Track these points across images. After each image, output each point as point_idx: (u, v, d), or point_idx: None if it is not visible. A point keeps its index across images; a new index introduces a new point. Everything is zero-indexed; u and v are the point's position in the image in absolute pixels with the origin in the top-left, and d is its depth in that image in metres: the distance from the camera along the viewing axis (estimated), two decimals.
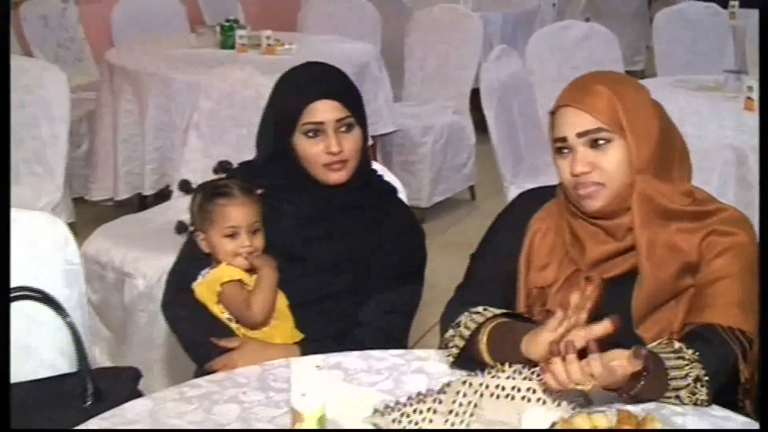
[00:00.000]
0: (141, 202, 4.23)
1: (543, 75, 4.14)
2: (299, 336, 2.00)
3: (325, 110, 1.99)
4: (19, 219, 2.03)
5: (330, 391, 1.51)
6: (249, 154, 2.29)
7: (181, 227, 2.12)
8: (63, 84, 3.55)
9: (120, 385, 1.97)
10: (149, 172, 4.09)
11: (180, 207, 3.37)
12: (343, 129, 2.00)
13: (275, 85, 2.11)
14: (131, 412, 1.56)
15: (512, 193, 3.39)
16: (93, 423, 1.53)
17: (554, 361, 1.45)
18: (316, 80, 2.06)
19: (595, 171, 1.65)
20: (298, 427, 1.47)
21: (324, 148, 1.99)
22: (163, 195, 4.02)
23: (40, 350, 2.05)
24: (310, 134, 1.99)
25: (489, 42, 5.36)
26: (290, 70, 2.12)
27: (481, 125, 4.74)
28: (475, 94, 4.75)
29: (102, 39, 5.27)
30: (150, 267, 3.00)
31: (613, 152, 1.66)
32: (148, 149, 4.09)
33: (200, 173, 3.37)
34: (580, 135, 1.66)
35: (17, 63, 3.65)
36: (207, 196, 2.01)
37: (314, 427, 1.46)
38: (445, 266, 2.13)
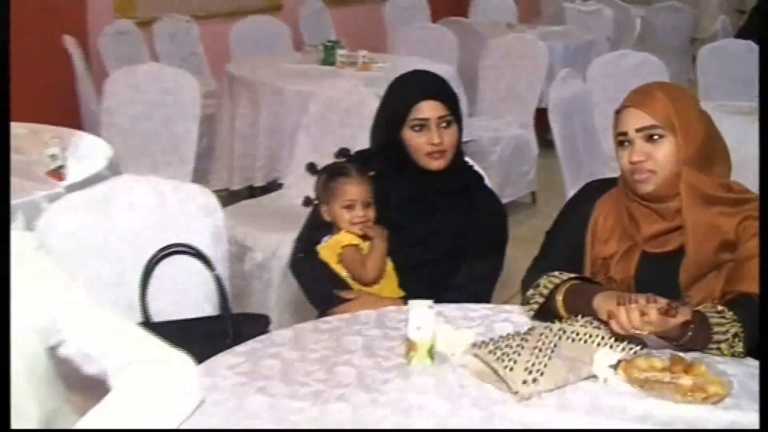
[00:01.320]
0: (251, 193, 4.44)
1: (601, 96, 4.24)
2: (401, 294, 2.17)
3: (429, 109, 2.16)
4: (180, 189, 2.25)
5: (437, 328, 1.66)
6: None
7: (307, 201, 2.31)
8: (195, 89, 3.79)
9: (254, 328, 2.15)
10: (260, 167, 4.28)
11: (289, 195, 3.60)
12: (443, 125, 2.17)
13: (388, 88, 2.29)
14: (279, 337, 1.75)
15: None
16: (249, 344, 1.72)
17: (620, 309, 1.61)
18: (423, 84, 2.24)
19: (649, 160, 1.80)
20: (411, 354, 1.65)
21: (427, 140, 2.16)
22: (268, 188, 4.22)
23: (191, 296, 2.24)
24: (417, 128, 2.17)
25: (552, 68, 5.47)
26: (401, 75, 2.30)
27: (542, 142, 4.91)
28: (539, 113, 4.91)
29: (218, 55, 5.49)
30: (266, 242, 3.21)
31: (665, 146, 1.80)
32: (260, 147, 4.29)
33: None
34: (638, 130, 1.80)
35: (158, 70, 3.93)
36: (330, 175, 2.20)
37: (425, 354, 1.64)
38: (509, 259, 2.29)
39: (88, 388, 1.67)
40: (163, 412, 1.40)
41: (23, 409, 1.50)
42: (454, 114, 2.20)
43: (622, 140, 1.85)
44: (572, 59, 6.02)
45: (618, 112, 1.88)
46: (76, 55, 4.45)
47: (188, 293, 2.24)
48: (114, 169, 2.92)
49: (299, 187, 3.59)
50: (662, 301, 1.60)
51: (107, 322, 1.51)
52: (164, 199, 2.21)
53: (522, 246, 2.41)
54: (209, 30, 5.67)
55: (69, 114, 4.29)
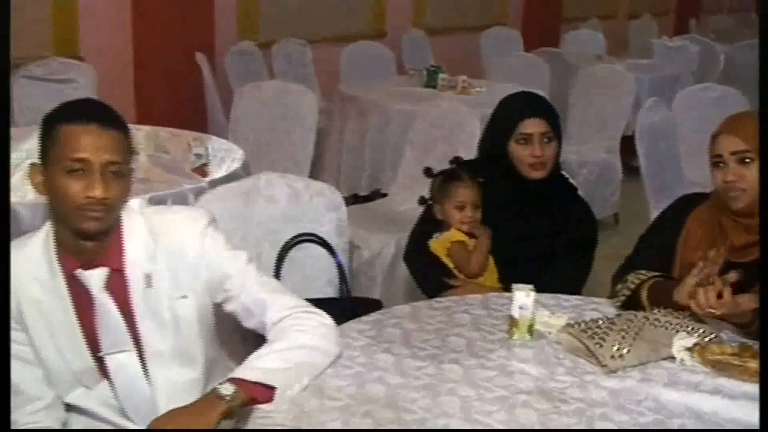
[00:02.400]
0: (354, 201, 4.70)
1: (685, 125, 4.38)
2: (500, 287, 2.38)
3: (534, 125, 2.38)
4: (311, 186, 2.51)
5: (536, 309, 1.87)
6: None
7: (421, 200, 2.54)
8: (313, 104, 4.08)
9: (368, 310, 2.38)
10: (365, 177, 4.53)
11: (393, 202, 3.85)
12: (545, 140, 2.38)
13: (498, 105, 2.51)
14: (399, 311, 1.98)
15: (654, 216, 3.66)
16: (373, 315, 1.96)
17: (698, 290, 1.79)
18: (529, 103, 2.45)
19: (741, 180, 1.96)
20: (513, 330, 1.86)
21: (530, 153, 2.37)
22: (371, 197, 4.46)
23: (316, 279, 2.49)
24: (522, 141, 2.38)
25: (638, 98, 5.59)
26: (510, 94, 2.52)
27: (625, 168, 5.03)
28: (624, 141, 5.05)
29: (328, 75, 5.81)
30: (372, 243, 3.45)
31: (755, 168, 1.95)
32: (366, 160, 4.54)
33: (412, 177, 3.82)
34: (732, 153, 1.97)
35: (282, 86, 4.24)
36: (446, 178, 2.43)
37: (525, 330, 1.85)
38: (592, 273, 2.47)
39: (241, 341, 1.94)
40: (317, 356, 1.64)
41: (192, 356, 1.77)
42: (554, 131, 2.40)
43: (717, 161, 2.01)
44: (658, 91, 6.12)
45: (714, 137, 2.04)
46: (206, 70, 4.81)
47: (314, 276, 2.48)
48: (246, 169, 3.21)
49: (402, 195, 3.85)
50: (734, 276, 1.77)
51: (266, 283, 1.76)
52: (297, 194, 2.47)
53: (604, 262, 2.56)
54: (320, 53, 5.99)
55: (199, 122, 4.64)
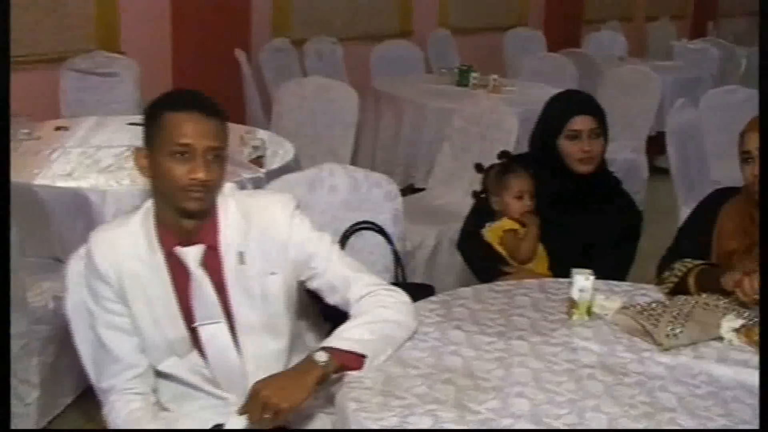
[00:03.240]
0: None
1: (711, 124, 4.52)
2: (550, 275, 2.53)
3: (582, 122, 2.53)
4: (370, 177, 2.66)
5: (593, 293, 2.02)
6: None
7: (475, 194, 2.69)
8: (353, 100, 4.23)
9: (422, 294, 2.53)
10: (399, 173, 4.68)
11: (430, 196, 4.00)
12: (593, 136, 2.53)
13: (547, 103, 2.66)
14: (463, 293, 2.14)
15: (683, 212, 3.81)
16: (440, 296, 2.11)
17: (743, 279, 1.94)
18: (578, 101, 2.60)
19: None
20: (573, 311, 2.01)
21: (579, 148, 2.52)
22: (402, 192, 4.59)
23: (374, 265, 2.63)
24: (571, 137, 2.53)
25: (661, 99, 5.74)
26: (558, 93, 2.68)
27: (650, 167, 5.17)
28: (648, 141, 5.19)
29: (357, 73, 5.96)
30: (413, 235, 3.58)
31: None
32: (400, 156, 4.71)
33: (450, 172, 3.97)
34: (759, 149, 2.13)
35: (322, 82, 4.39)
36: (502, 170, 2.57)
37: (584, 311, 2.00)
38: None
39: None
40: (398, 329, 1.80)
41: (278, 328, 1.92)
42: (602, 128, 2.55)
43: (746, 157, 2.16)
44: (680, 93, 6.27)
45: (742, 135, 2.19)
46: (245, 65, 4.97)
47: (371, 263, 2.62)
48: (297, 161, 3.38)
49: (439, 190, 4.01)
50: None
51: (349, 263, 1.92)
52: (357, 185, 2.62)
53: None
54: (351, 51, 6.15)
55: (236, 116, 4.79)
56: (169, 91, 1.88)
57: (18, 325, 2.54)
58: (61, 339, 2.82)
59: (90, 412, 2.88)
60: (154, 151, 1.80)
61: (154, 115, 1.81)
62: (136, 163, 1.86)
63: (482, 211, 2.64)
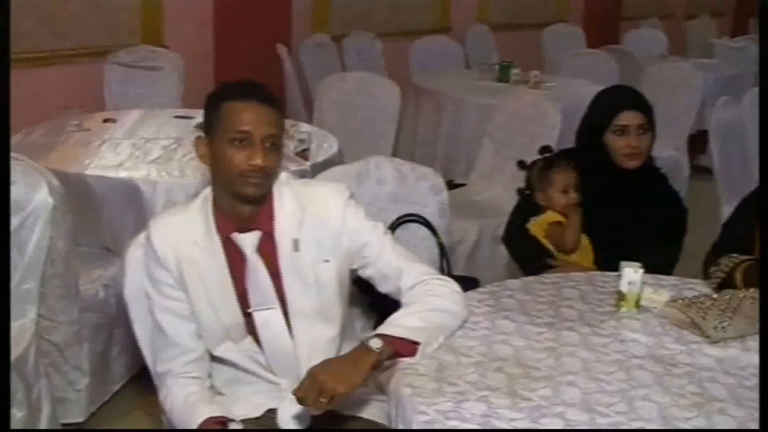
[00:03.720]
0: None
1: (754, 122, 4.50)
2: (596, 269, 2.56)
3: (630, 117, 2.55)
4: (416, 170, 2.70)
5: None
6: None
7: (520, 191, 2.73)
8: (396, 95, 4.29)
9: (467, 287, 2.57)
10: (438, 168, 4.67)
11: (471, 191, 4.03)
12: (641, 131, 2.55)
13: (594, 98, 2.69)
14: (511, 284, 2.17)
15: (725, 211, 3.81)
16: (488, 287, 2.15)
17: None
18: (626, 96, 2.63)
19: None
20: (621, 303, 2.04)
21: (626, 143, 2.54)
22: None
23: (420, 258, 2.68)
24: (618, 133, 2.55)
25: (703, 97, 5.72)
26: (606, 89, 2.70)
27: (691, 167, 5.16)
28: (690, 139, 5.18)
29: (396, 68, 6.00)
30: (455, 229, 3.55)
31: None
32: (440, 151, 4.75)
33: (491, 168, 4.00)
34: None
35: (365, 77, 4.44)
36: (546, 166, 2.61)
37: (633, 304, 2.03)
38: None
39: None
40: (450, 318, 1.84)
41: (331, 315, 1.97)
42: (649, 123, 2.57)
43: None
44: (721, 91, 6.24)
45: None
46: (287, 60, 5.04)
47: (417, 255, 2.66)
48: (341, 154, 3.43)
49: (481, 185, 4.04)
50: None
51: (401, 252, 1.96)
52: (404, 177, 2.67)
53: None
54: (390, 46, 6.20)
55: None
56: (228, 82, 1.94)
57: (70, 313, 2.62)
58: (110, 327, 2.91)
59: (135, 400, 2.96)
60: (214, 139, 1.86)
61: (214, 105, 1.87)
62: (197, 151, 1.92)
63: (527, 207, 2.68)
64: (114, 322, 2.91)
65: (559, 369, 1.74)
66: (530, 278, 2.25)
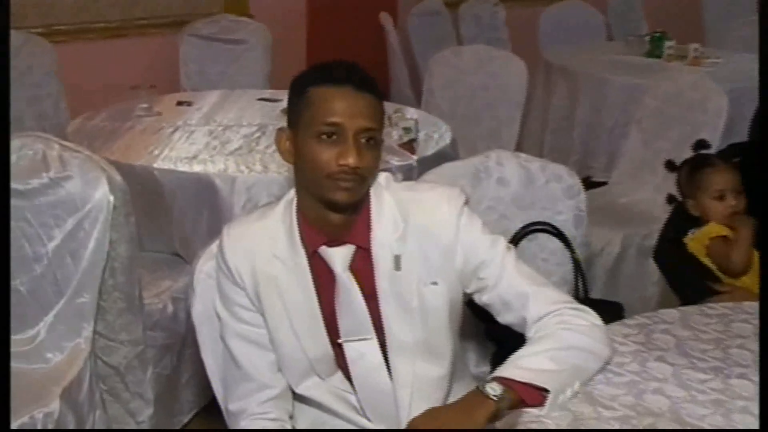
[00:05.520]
0: None
1: None
2: None
3: None
4: (547, 168, 2.58)
5: None
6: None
7: (670, 199, 2.59)
8: (523, 74, 4.18)
9: (607, 315, 2.44)
10: (573, 162, 4.57)
11: (614, 192, 3.90)
12: None
13: None
14: (666, 316, 2.04)
15: None
16: (637, 319, 2.02)
17: None
18: None
19: None
20: None
21: None
22: None
23: (548, 276, 2.54)
24: None
25: None
26: None
27: None
28: None
29: (524, 42, 5.87)
30: (593, 238, 3.44)
31: None
32: (575, 142, 4.62)
33: (639, 163, 3.85)
34: None
35: (485, 52, 4.35)
36: (694, 167, 2.47)
37: None
38: None
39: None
40: (589, 359, 1.73)
41: (439, 349, 1.88)
42: None
43: None
44: None
45: None
46: (391, 32, 4.98)
47: (546, 272, 2.55)
48: (455, 147, 3.35)
49: (626, 185, 3.91)
50: None
51: (527, 273, 1.86)
52: (532, 177, 2.56)
53: None
54: (515, 14, 6.08)
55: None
56: (318, 63, 1.86)
57: (132, 331, 2.61)
58: (179, 348, 2.90)
59: None
60: (299, 132, 1.79)
61: (300, 91, 1.80)
62: (279, 145, 1.85)
63: (683, 215, 2.53)
64: (184, 343, 2.91)
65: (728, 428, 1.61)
66: (690, 308, 2.11)
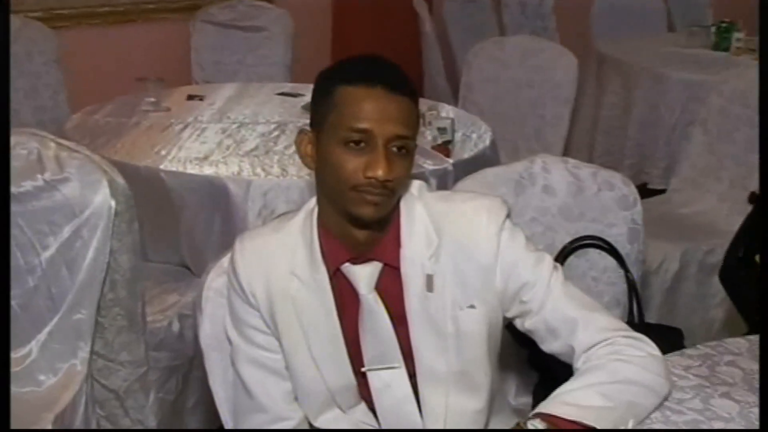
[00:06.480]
0: None
1: None
2: None
3: None
4: (599, 176, 2.55)
5: None
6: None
7: (751, 197, 2.55)
8: (573, 68, 4.16)
9: (665, 343, 2.40)
10: (626, 167, 4.55)
11: (674, 201, 3.86)
12: None
13: None
14: (733, 346, 2.00)
15: None
16: (700, 349, 1.99)
17: None
18: None
19: None
20: None
21: None
22: None
23: (598, 296, 2.53)
24: None
25: None
26: None
27: None
28: None
29: (572, 30, 5.85)
30: (649, 253, 3.43)
31: None
32: (629, 144, 4.59)
33: (701, 169, 3.82)
34: None
35: (530, 43, 4.33)
36: None
37: None
38: None
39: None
40: (644, 394, 1.69)
41: (475, 380, 1.85)
42: None
43: None
44: None
45: None
46: (426, 20, 4.97)
47: (597, 293, 2.53)
48: (494, 149, 3.32)
49: (687, 193, 3.87)
50: None
51: (576, 296, 1.82)
52: (581, 185, 2.53)
53: None
54: (566, 2, 6.04)
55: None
56: (347, 58, 1.83)
57: (134, 351, 2.60)
58: (185, 371, 2.89)
59: None
60: (323, 136, 1.76)
61: (326, 89, 1.77)
62: (299, 149, 1.83)
63: (758, 227, 2.49)
64: (190, 365, 2.90)
65: None
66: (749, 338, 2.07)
